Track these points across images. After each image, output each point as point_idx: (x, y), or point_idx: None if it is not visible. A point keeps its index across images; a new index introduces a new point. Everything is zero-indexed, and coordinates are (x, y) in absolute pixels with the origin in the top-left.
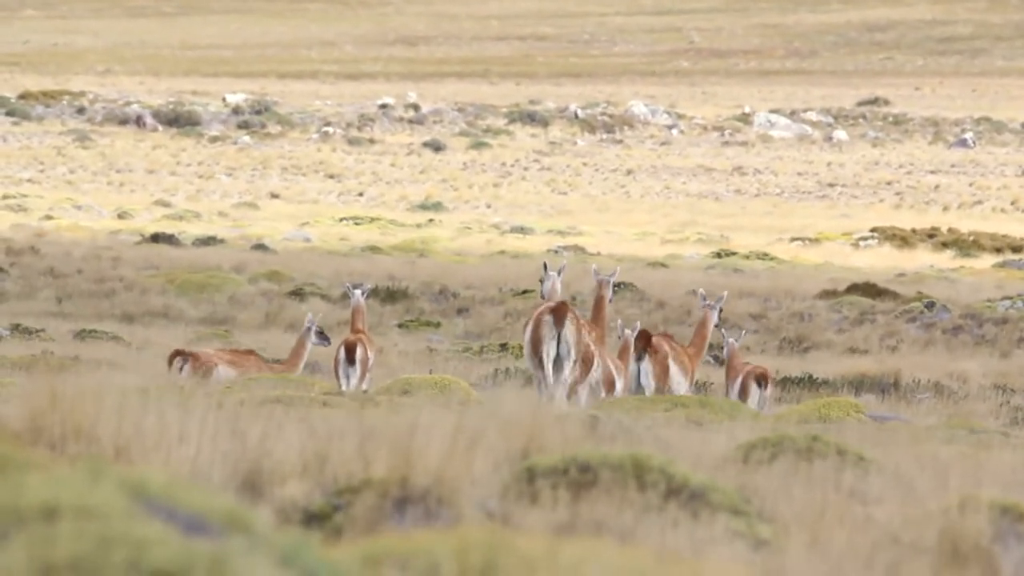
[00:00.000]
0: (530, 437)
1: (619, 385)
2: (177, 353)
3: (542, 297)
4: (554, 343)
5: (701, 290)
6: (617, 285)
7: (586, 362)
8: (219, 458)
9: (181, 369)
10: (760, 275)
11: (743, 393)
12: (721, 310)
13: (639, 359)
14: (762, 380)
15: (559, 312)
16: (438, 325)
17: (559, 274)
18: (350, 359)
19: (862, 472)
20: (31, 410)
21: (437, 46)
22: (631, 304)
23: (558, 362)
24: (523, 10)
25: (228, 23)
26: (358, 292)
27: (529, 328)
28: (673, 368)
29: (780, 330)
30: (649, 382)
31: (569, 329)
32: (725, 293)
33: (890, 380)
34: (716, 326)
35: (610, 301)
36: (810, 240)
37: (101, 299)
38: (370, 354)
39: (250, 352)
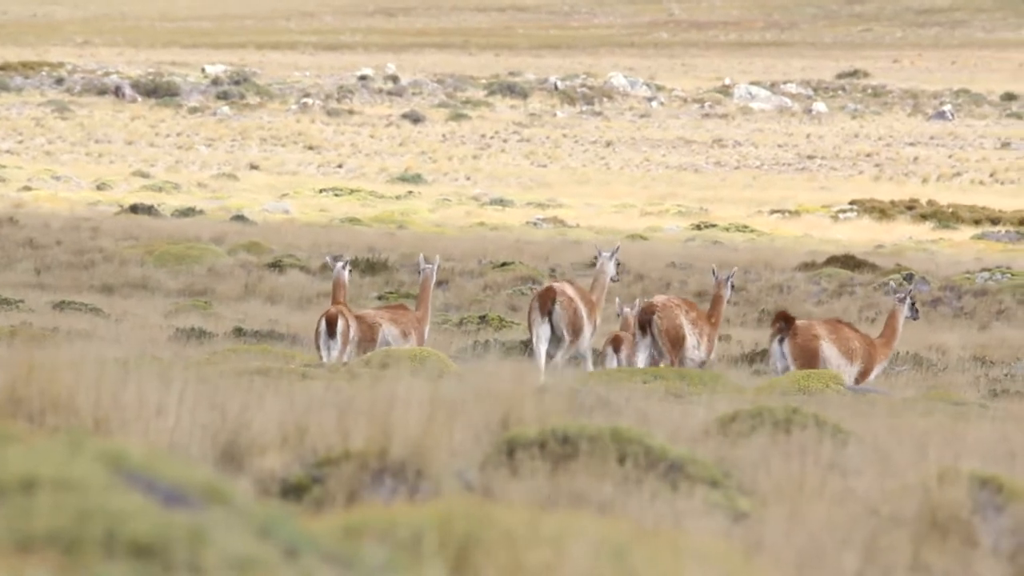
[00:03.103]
0: (509, 409)
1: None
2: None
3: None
4: (546, 325)
5: (891, 283)
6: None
7: (675, 343)
8: (198, 430)
9: None
10: (739, 247)
11: (603, 360)
12: (915, 307)
13: (780, 341)
14: (617, 344)
15: (543, 297)
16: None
17: (611, 256)
18: (331, 332)
19: (841, 444)
20: (9, 382)
21: (416, 17)
22: None
23: (554, 341)
24: None
25: None
26: (339, 265)
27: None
28: (829, 352)
29: (759, 302)
30: (788, 364)
31: (558, 312)
32: (911, 288)
33: None
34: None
35: (728, 301)
36: (790, 212)
37: (80, 270)
38: (351, 326)
39: (401, 306)
